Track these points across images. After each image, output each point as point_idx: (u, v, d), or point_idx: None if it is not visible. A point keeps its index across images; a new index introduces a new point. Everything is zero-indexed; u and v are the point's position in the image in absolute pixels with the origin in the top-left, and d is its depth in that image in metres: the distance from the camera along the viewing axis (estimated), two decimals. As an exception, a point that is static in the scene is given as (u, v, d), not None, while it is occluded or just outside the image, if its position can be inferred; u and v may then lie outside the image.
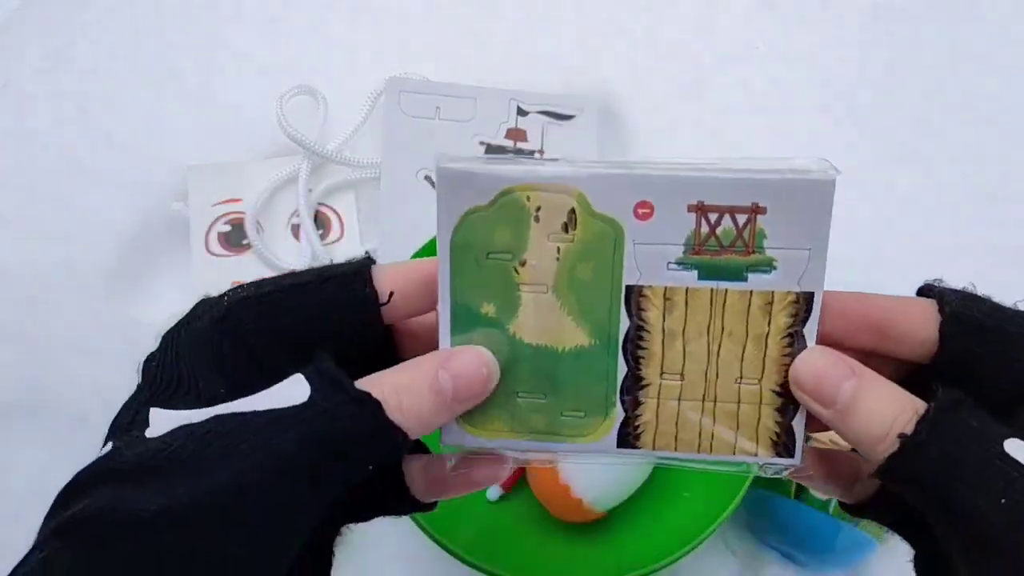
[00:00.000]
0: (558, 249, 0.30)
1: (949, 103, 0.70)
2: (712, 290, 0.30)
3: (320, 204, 0.66)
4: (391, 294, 0.29)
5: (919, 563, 0.31)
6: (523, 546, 0.53)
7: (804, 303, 0.30)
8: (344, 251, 0.64)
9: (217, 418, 0.25)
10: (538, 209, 0.29)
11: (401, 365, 0.27)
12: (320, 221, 0.65)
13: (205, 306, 0.28)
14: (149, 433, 0.25)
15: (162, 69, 0.70)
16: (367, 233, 0.66)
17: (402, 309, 0.29)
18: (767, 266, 0.30)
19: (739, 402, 0.31)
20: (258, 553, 0.24)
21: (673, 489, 0.54)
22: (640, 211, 0.29)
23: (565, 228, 0.29)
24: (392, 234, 0.63)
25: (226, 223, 0.65)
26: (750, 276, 0.30)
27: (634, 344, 0.30)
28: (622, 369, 0.30)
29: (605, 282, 0.30)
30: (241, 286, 0.29)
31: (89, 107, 0.68)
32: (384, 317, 0.29)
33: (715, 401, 0.31)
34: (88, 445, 0.66)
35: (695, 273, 0.30)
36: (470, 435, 0.31)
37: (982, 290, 0.35)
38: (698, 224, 0.29)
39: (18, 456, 0.58)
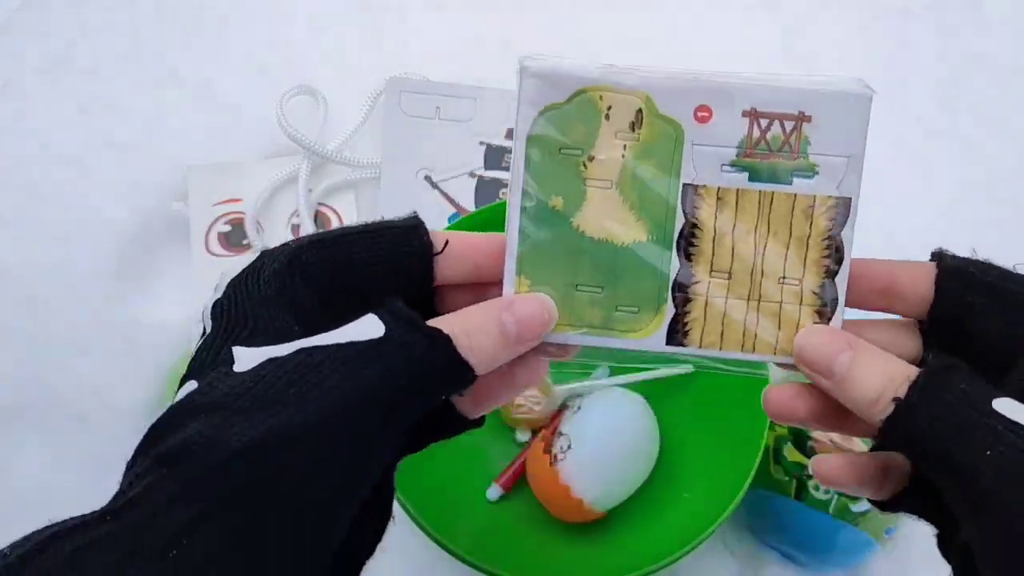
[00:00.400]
0: (624, 147, 0.32)
1: (949, 103, 0.70)
2: (760, 192, 0.32)
3: (320, 204, 0.66)
4: (446, 243, 0.30)
5: (942, 544, 0.31)
6: (523, 546, 0.53)
7: (842, 207, 0.32)
8: (344, 251, 0.64)
9: (303, 351, 0.26)
10: (609, 108, 0.32)
11: (466, 309, 0.29)
12: (320, 221, 0.65)
13: (270, 255, 0.30)
14: (237, 368, 0.26)
15: (162, 69, 0.70)
16: (367, 233, 0.66)
17: (453, 268, 0.31)
18: (810, 171, 0.32)
19: (782, 302, 0.33)
20: (344, 481, 0.25)
21: (673, 489, 0.54)
22: (699, 114, 0.32)
23: (632, 127, 0.32)
24: (392, 234, 0.63)
25: (226, 223, 0.65)
26: (795, 180, 0.32)
27: (687, 242, 0.32)
28: (675, 266, 0.32)
29: (664, 180, 0.32)
30: (305, 235, 0.30)
31: (89, 107, 0.68)
32: (436, 273, 0.30)
33: (759, 300, 0.33)
34: (88, 445, 0.66)
35: (746, 175, 0.32)
36: None
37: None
38: (750, 129, 0.32)
39: (18, 456, 0.58)
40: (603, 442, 0.52)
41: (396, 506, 0.48)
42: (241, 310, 0.28)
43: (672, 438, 0.55)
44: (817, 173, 0.32)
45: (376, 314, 0.27)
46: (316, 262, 0.29)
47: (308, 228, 0.63)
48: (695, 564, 0.55)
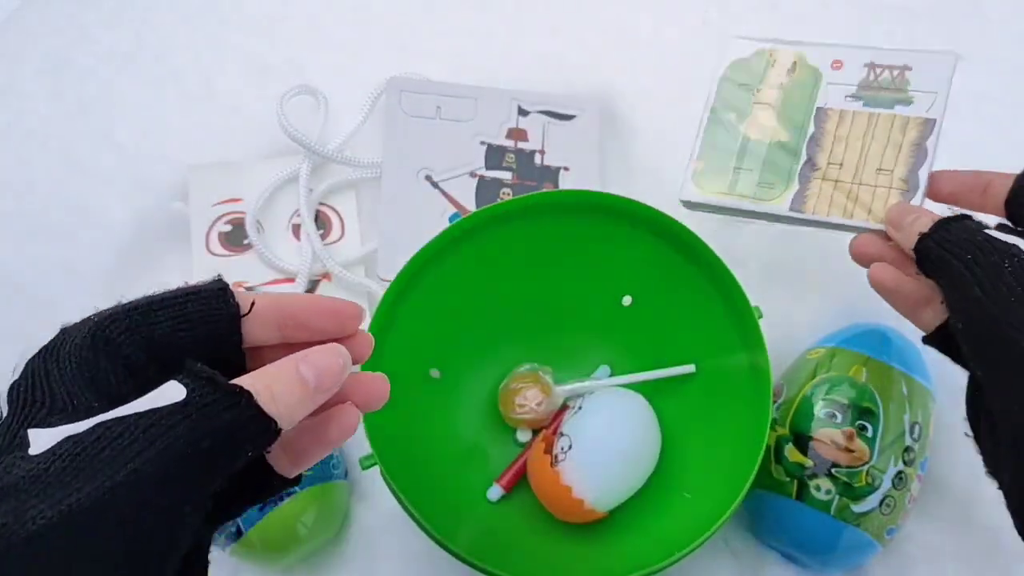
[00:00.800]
0: (782, 83, 0.53)
1: (950, 103, 0.69)
2: (870, 113, 0.50)
3: (321, 204, 0.66)
4: (252, 304, 0.31)
5: (970, 392, 0.41)
6: (524, 546, 0.53)
7: (930, 124, 0.49)
8: (345, 251, 0.64)
9: (102, 424, 0.25)
10: (775, 60, 0.53)
11: (267, 366, 0.29)
12: (321, 221, 0.65)
13: (71, 331, 0.29)
14: (32, 451, 0.25)
15: (162, 69, 0.70)
16: (368, 233, 0.66)
17: (261, 329, 0.31)
18: (908, 101, 0.50)
19: (876, 185, 0.48)
20: (152, 553, 0.25)
21: (674, 489, 0.54)
22: (834, 65, 0.52)
23: (788, 72, 0.53)
24: (393, 234, 0.63)
25: (226, 223, 0.65)
26: (896, 107, 0.50)
27: (815, 142, 0.50)
28: (803, 158, 0.51)
29: (805, 104, 0.52)
30: (108, 308, 0.30)
31: (89, 107, 0.68)
32: (244, 335, 0.31)
33: (860, 183, 0.49)
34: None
35: (861, 102, 0.51)
36: (698, 193, 0.52)
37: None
38: (868, 74, 0.51)
39: (18, 456, 0.58)
40: (604, 442, 0.52)
41: (397, 506, 0.48)
42: (38, 391, 0.28)
43: (672, 438, 0.55)
44: (913, 102, 0.50)
45: (176, 379, 0.27)
46: (120, 334, 0.29)
47: (309, 228, 0.63)
48: (696, 565, 0.55)
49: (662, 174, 0.67)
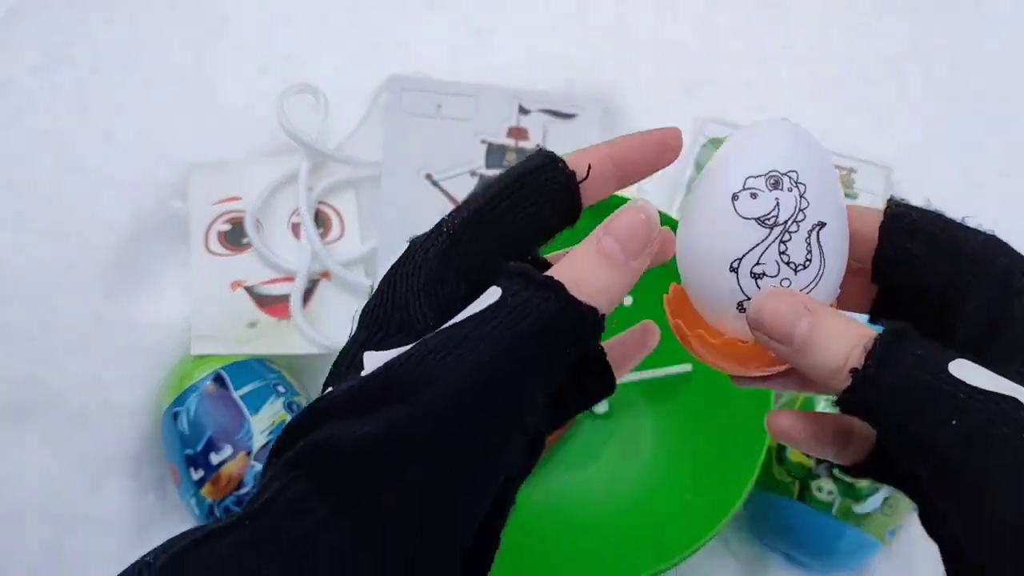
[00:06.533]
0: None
1: (952, 101, 0.69)
2: None
3: (320, 202, 0.66)
4: (589, 168, 0.30)
5: (924, 516, 0.29)
6: (524, 546, 0.53)
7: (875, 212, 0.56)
8: (345, 250, 0.64)
9: (422, 341, 0.25)
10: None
11: (572, 252, 0.28)
12: (320, 219, 0.65)
13: (421, 247, 0.29)
14: (363, 374, 0.26)
15: (162, 67, 0.69)
16: (367, 232, 0.65)
17: (598, 190, 0.30)
18: (855, 195, 0.64)
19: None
20: (483, 457, 0.25)
21: (674, 492, 0.54)
22: None
23: None
24: (393, 233, 0.63)
25: (226, 221, 0.64)
26: (845, 199, 0.54)
27: None
28: None
29: None
30: (455, 210, 0.30)
31: (88, 105, 0.67)
32: (583, 200, 0.30)
33: None
34: (88, 443, 0.65)
35: None
36: None
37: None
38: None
39: (17, 455, 0.58)
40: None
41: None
42: (385, 313, 0.28)
43: (673, 439, 0.55)
44: (858, 197, 0.64)
45: (496, 282, 0.26)
46: (472, 239, 0.29)
47: (308, 226, 0.63)
48: (697, 567, 0.55)
49: (662, 173, 0.66)
